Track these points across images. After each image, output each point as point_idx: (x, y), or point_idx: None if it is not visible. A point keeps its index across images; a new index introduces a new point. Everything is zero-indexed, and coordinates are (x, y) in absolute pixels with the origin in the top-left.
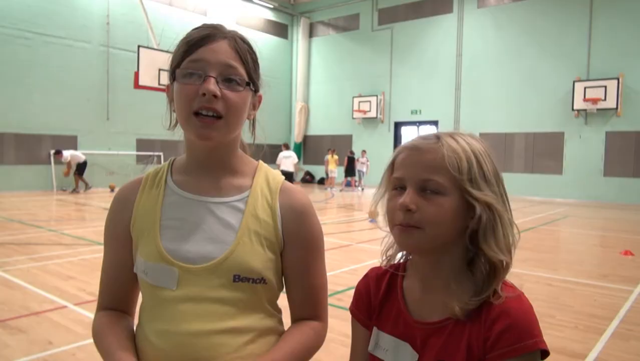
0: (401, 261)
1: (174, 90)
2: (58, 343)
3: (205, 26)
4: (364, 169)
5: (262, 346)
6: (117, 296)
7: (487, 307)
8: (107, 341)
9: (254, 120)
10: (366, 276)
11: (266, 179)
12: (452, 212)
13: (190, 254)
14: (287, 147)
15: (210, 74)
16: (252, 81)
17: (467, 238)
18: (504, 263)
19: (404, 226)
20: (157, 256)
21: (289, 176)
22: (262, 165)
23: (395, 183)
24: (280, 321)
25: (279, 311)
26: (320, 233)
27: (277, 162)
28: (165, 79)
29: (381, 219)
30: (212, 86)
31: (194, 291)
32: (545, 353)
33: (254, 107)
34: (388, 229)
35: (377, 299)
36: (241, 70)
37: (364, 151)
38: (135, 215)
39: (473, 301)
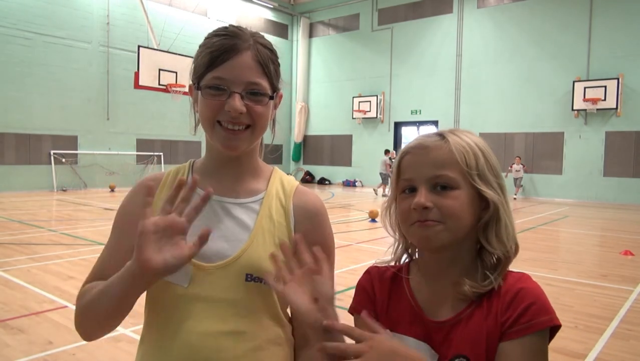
0: (405, 262)
1: (198, 99)
2: (58, 343)
3: (226, 33)
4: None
5: (273, 356)
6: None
7: (497, 294)
8: (99, 286)
9: (273, 119)
10: (368, 272)
11: (281, 182)
12: (467, 204)
13: (205, 251)
14: (388, 152)
15: (235, 90)
16: (275, 89)
17: (480, 231)
18: (507, 254)
19: (422, 221)
20: None
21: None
22: (277, 170)
23: (404, 185)
24: (292, 333)
25: (291, 322)
26: (332, 237)
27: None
28: (165, 79)
29: (387, 223)
30: (238, 103)
31: (205, 290)
32: (557, 326)
33: (275, 106)
34: (396, 234)
35: (383, 297)
36: (265, 84)
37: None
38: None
39: (483, 285)
